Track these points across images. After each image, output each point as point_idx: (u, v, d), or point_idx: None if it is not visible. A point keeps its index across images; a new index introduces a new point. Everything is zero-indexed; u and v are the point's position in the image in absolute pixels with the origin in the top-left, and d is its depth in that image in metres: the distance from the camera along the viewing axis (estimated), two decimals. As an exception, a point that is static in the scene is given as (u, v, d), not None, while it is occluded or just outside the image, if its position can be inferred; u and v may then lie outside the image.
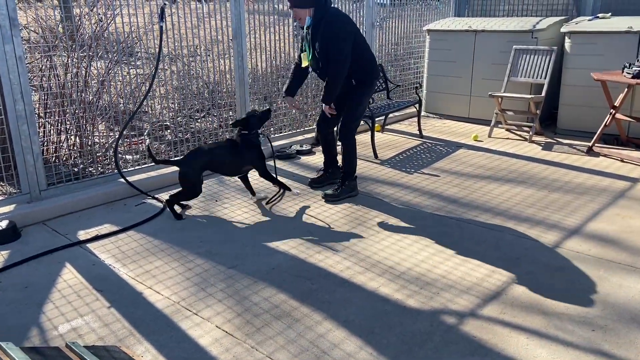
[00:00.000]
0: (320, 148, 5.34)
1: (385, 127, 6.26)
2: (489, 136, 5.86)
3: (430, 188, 4.30)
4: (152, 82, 4.32)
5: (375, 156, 5.10)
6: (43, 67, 4.40)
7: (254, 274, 2.98)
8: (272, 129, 5.67)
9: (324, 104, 4.05)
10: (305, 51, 4.00)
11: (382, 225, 3.60)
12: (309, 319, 2.53)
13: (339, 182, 4.18)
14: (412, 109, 6.25)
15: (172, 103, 5.45)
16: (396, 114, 6.45)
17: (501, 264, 3.03)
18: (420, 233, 3.46)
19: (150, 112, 5.41)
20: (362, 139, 5.81)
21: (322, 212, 3.85)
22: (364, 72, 4.00)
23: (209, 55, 5.07)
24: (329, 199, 4.08)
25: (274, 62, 5.61)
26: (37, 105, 4.45)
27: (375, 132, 5.27)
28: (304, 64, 4.04)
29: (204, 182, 4.59)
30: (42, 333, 2.47)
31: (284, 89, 4.24)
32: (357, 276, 2.92)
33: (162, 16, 4.23)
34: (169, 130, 5.42)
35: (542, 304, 2.61)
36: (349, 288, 2.80)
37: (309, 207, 3.96)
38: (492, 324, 2.45)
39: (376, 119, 5.29)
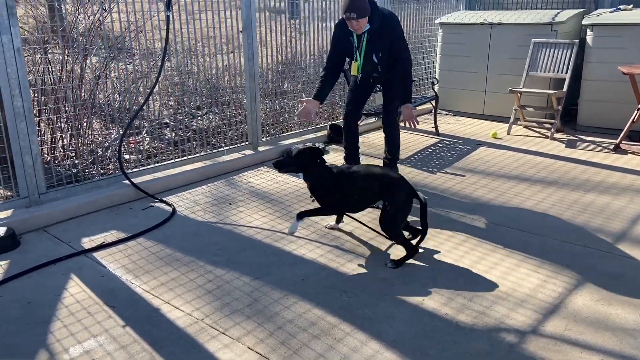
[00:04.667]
0: (334, 147, 5.12)
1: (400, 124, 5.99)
2: (508, 133, 5.62)
3: (457, 189, 4.05)
4: (159, 76, 4.01)
5: (394, 155, 4.84)
6: (37, 63, 4.09)
7: (282, 286, 2.70)
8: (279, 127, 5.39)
9: (404, 107, 3.81)
10: (356, 60, 3.86)
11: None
12: (352, 338, 2.26)
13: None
14: (424, 106, 6.00)
15: (172, 100, 5.15)
16: (409, 110, 6.19)
17: (551, 271, 2.78)
18: (456, 239, 3.20)
19: (148, 109, 5.10)
20: (375, 137, 5.55)
21: (345, 216, 3.58)
22: None
23: (220, 52, 4.77)
24: None
25: (280, 57, 5.33)
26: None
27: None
28: (354, 72, 3.93)
29: (211, 184, 4.30)
30: (51, 357, 2.18)
31: (314, 93, 3.89)
32: (396, 287, 2.65)
33: (169, 5, 3.93)
34: (168, 129, 5.12)
35: (608, 318, 2.36)
36: (391, 301, 2.53)
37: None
38: (558, 343, 2.20)
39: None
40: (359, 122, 4.37)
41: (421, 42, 6.98)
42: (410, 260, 2.92)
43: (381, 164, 4.23)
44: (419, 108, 6.33)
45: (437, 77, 6.53)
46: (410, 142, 5.42)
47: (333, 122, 5.55)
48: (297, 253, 3.05)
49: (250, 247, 3.14)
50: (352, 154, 4.32)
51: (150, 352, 2.20)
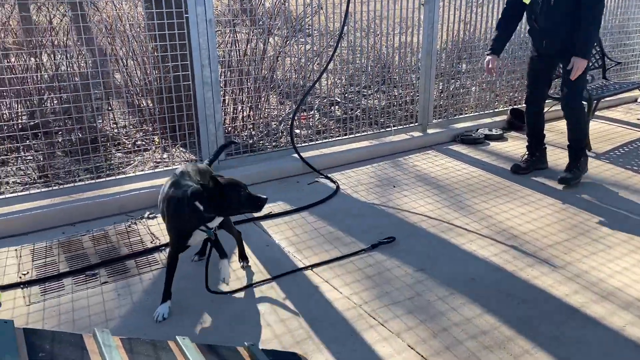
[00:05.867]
0: (512, 134, 4.64)
1: (595, 113, 5.17)
2: None
3: (673, 195, 3.30)
4: (334, 52, 3.97)
5: (589, 148, 4.15)
6: (225, 39, 4.35)
7: (449, 282, 2.44)
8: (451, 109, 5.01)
9: (577, 59, 3.26)
10: None
11: (613, 239, 2.78)
12: (532, 357, 1.92)
13: (571, 163, 3.62)
14: (627, 94, 5.07)
15: (343, 78, 5.09)
16: (611, 98, 5.30)
17: None
18: (673, 256, 2.58)
19: (320, 86, 5.12)
20: (559, 126, 4.85)
21: (526, 212, 3.15)
22: None
23: (395, 31, 4.56)
24: (569, 182, 3.52)
25: (459, 35, 4.91)
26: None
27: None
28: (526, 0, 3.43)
29: (376, 164, 4.14)
30: (215, 319, 2.25)
31: (489, 47, 3.66)
32: (590, 306, 2.21)
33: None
34: (337, 106, 5.10)
35: None
36: (582, 322, 2.11)
37: (506, 202, 3.27)
38: None
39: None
40: (544, 106, 3.81)
41: (628, 20, 5.91)
42: (608, 275, 2.42)
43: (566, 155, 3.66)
44: (620, 96, 5.38)
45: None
46: (608, 133, 4.62)
47: (514, 107, 5.00)
48: (467, 248, 2.75)
49: (414, 235, 2.93)
50: (535, 143, 3.82)
51: (308, 331, 2.14)
